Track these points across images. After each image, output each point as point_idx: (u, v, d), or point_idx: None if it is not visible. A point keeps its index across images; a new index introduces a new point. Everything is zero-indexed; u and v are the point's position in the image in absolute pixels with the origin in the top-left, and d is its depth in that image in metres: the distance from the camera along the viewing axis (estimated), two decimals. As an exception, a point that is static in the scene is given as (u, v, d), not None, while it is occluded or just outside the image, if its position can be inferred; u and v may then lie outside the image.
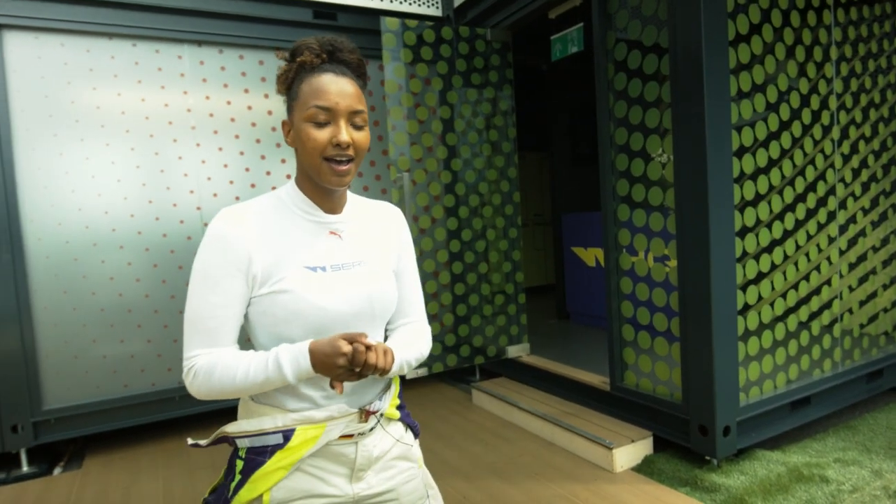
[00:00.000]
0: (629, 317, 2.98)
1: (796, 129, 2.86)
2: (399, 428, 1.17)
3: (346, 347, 0.92)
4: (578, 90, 5.39)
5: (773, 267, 2.79)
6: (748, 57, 2.61)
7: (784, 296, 2.85)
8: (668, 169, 2.68)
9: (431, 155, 3.73)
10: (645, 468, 2.72)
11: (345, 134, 0.98)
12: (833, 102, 3.05)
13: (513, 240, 3.99)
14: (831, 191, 3.06)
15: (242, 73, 3.64)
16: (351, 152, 0.99)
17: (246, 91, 3.65)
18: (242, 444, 1.03)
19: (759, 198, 2.72)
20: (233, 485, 1.01)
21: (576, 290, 5.18)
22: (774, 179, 2.76)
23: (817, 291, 3.02)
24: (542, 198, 5.72)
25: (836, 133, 3.07)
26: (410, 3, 3.93)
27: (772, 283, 2.78)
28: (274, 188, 3.72)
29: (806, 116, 2.91)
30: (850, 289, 3.21)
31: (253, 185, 3.67)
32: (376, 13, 3.80)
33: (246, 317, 1.04)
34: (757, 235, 2.70)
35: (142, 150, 3.38)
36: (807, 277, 2.96)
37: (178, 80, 3.47)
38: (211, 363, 0.97)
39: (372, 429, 1.09)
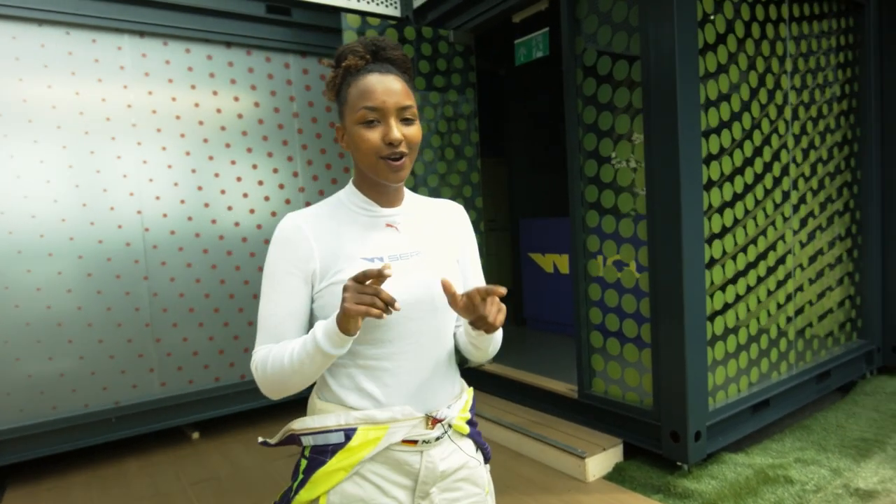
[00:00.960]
0: (597, 323, 2.96)
1: (757, 137, 2.93)
2: (469, 446, 1.12)
3: (351, 281, 0.87)
4: (535, 96, 5.41)
5: (738, 273, 2.84)
6: (715, 66, 2.65)
7: (746, 301, 2.91)
8: (638, 175, 2.67)
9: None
10: (616, 476, 2.69)
11: (396, 131, 0.98)
12: (788, 113, 3.16)
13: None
14: (786, 196, 3.16)
15: (189, 68, 3.40)
16: (404, 148, 0.99)
17: (193, 87, 3.41)
18: (307, 441, 1.03)
19: (724, 205, 2.76)
20: (295, 485, 1.02)
21: (533, 297, 5.17)
22: (738, 187, 2.81)
23: (774, 296, 3.11)
24: (496, 204, 5.68)
25: (790, 142, 3.17)
26: (368, 2, 3.80)
27: (735, 288, 2.83)
28: (223, 192, 3.49)
29: (765, 126, 2.99)
30: (800, 290, 3.33)
31: (200, 188, 3.43)
32: (333, 10, 3.65)
33: (311, 313, 1.05)
34: (723, 241, 2.73)
35: (75, 149, 3.08)
36: (765, 281, 3.04)
37: (117, 73, 3.19)
38: (265, 355, 0.99)
39: (438, 438, 1.04)
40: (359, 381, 1.02)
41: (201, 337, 3.45)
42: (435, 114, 3.73)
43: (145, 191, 3.28)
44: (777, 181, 3.09)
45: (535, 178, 5.60)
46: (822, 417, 3.27)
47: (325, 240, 1.02)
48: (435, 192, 3.73)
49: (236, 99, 3.54)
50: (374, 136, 0.98)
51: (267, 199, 3.65)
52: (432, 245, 1.09)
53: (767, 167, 3.02)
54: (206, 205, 3.45)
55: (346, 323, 0.88)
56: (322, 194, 3.83)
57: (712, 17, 2.63)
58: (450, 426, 1.06)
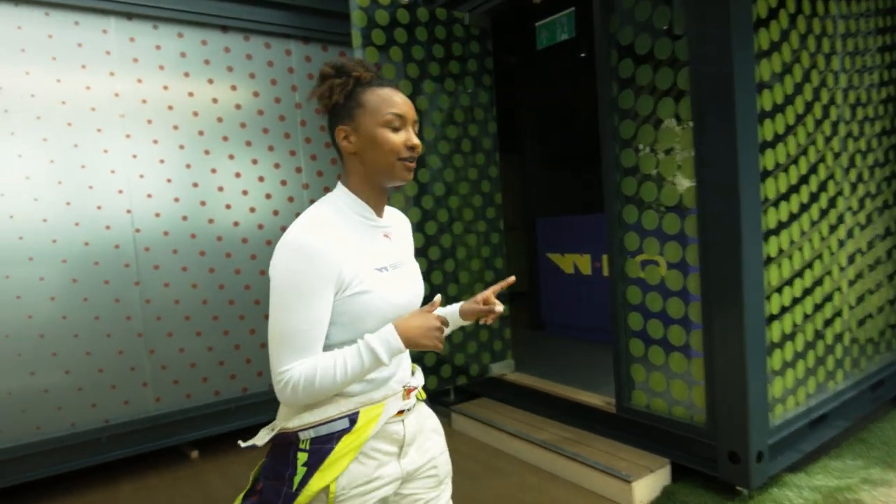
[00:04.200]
0: (637, 330, 2.67)
1: (809, 124, 2.65)
2: (425, 405, 1.29)
3: (437, 321, 1.10)
4: (550, 85, 5.12)
5: (794, 273, 2.56)
6: (768, 44, 2.37)
7: (802, 303, 2.62)
8: (686, 165, 2.39)
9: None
10: (666, 502, 2.41)
11: (416, 138, 1.11)
12: (839, 97, 2.88)
13: (495, 245, 3.63)
14: (840, 191, 2.88)
15: (182, 54, 3.11)
16: (416, 153, 1.12)
17: (186, 75, 3.12)
18: (306, 435, 1.06)
19: (780, 197, 2.48)
20: (296, 479, 1.04)
21: (551, 300, 4.88)
22: (792, 178, 2.53)
23: (829, 297, 2.83)
24: (509, 201, 5.40)
25: (842, 129, 2.89)
26: (376, -16, 3.51)
27: (792, 290, 2.55)
28: (221, 189, 3.20)
29: (817, 112, 2.71)
30: (856, 291, 3.04)
31: (195, 185, 3.14)
32: (339, -10, 3.36)
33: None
34: (779, 238, 2.45)
35: (57, 142, 2.79)
36: (820, 282, 2.76)
37: (103, 58, 2.90)
38: (310, 371, 1.01)
39: (414, 405, 1.21)
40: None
41: (199, 347, 3.15)
42: (450, 102, 3.44)
43: (135, 188, 2.99)
44: (831, 173, 2.81)
45: (551, 174, 5.31)
46: (879, 430, 2.98)
47: (347, 249, 1.06)
48: (451, 188, 3.45)
49: (234, 88, 3.25)
50: (398, 139, 1.09)
51: (269, 196, 3.36)
52: (409, 253, 1.26)
53: (820, 157, 2.74)
54: (203, 203, 3.16)
55: (413, 346, 1.08)
56: (327, 191, 3.53)
57: (768, -13, 2.35)
58: (418, 391, 1.23)
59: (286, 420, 1.08)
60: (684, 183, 2.43)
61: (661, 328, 2.57)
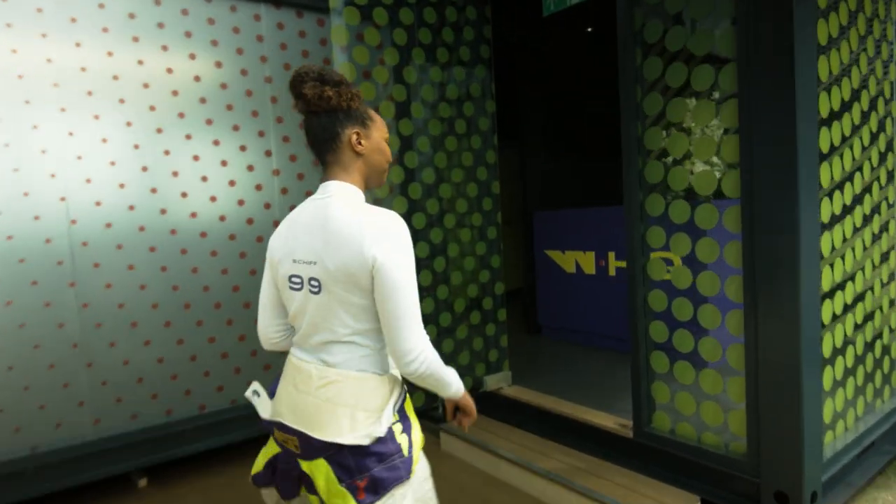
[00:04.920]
0: (661, 342, 2.27)
1: (864, 100, 2.27)
2: None
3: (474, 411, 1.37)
4: (554, 64, 4.71)
5: (848, 275, 2.18)
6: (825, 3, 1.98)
7: (853, 310, 2.25)
8: (727, 145, 1.99)
9: (385, 98, 2.87)
10: (698, 549, 2.02)
11: None
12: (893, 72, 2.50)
13: (492, 241, 3.21)
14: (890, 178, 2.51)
15: (130, 15, 2.65)
16: None
17: (135, 40, 2.66)
18: (393, 418, 1.18)
19: (835, 186, 2.09)
20: (404, 446, 1.17)
21: (550, 300, 4.48)
22: (847, 164, 2.15)
23: (879, 304, 2.45)
24: (505, 193, 4.99)
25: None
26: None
27: (844, 295, 2.17)
28: (176, 174, 2.75)
29: (872, 87, 2.33)
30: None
31: (145, 169, 2.69)
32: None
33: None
34: (832, 233, 2.07)
35: (-29, 114, 2.33)
36: (871, 286, 2.38)
37: (33, 17, 2.44)
38: (436, 361, 1.17)
39: None
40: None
41: (148, 359, 2.71)
42: (443, 76, 3.02)
43: (72, 171, 2.53)
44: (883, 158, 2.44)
45: (551, 162, 4.89)
46: (928, 453, 2.62)
47: None
48: (442, 175, 3.03)
49: (192, 57, 2.80)
50: (390, 152, 1.33)
51: (232, 183, 2.91)
52: None
53: (874, 138, 2.36)
54: (154, 190, 2.71)
55: (461, 402, 1.33)
56: (302, 179, 3.10)
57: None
58: None
59: (381, 421, 1.15)
60: (723, 168, 2.03)
61: (691, 340, 2.17)
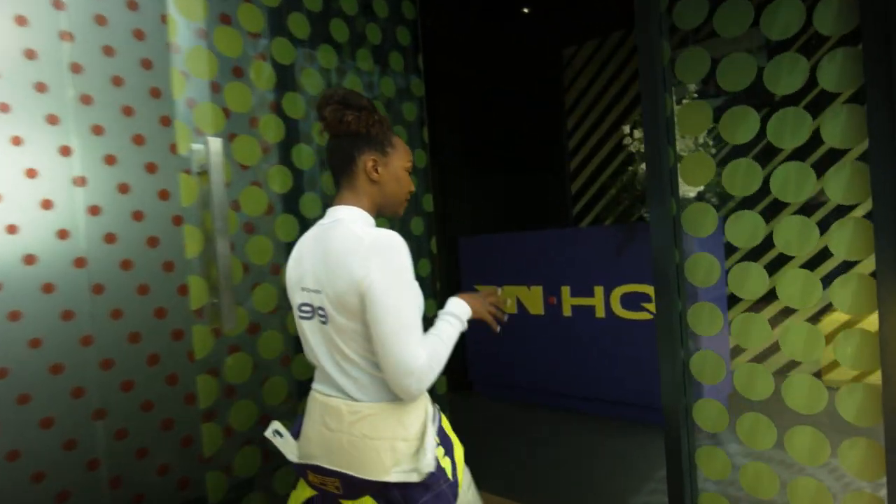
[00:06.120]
0: (718, 431, 1.45)
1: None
2: None
3: (493, 298, 1.33)
4: (475, 64, 3.93)
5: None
6: None
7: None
8: (840, 116, 1.23)
9: (268, 110, 1.86)
10: None
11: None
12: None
13: (424, 280, 2.27)
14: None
15: None
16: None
17: None
18: (434, 440, 1.13)
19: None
20: (448, 469, 1.13)
21: (483, 350, 3.59)
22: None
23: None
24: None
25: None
26: None
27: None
28: None
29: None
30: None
31: None
32: None
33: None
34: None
35: None
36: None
37: None
38: (430, 353, 1.09)
39: None
40: None
41: None
42: (350, 35, 2.07)
43: None
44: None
45: (478, 182, 4.07)
46: None
47: None
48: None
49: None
50: (411, 181, 1.29)
51: (-3, 198, 1.72)
52: None
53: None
54: None
55: (476, 313, 1.27)
56: (127, 191, 1.97)
57: None
58: None
59: (426, 456, 1.09)
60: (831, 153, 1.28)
61: (772, 431, 1.37)
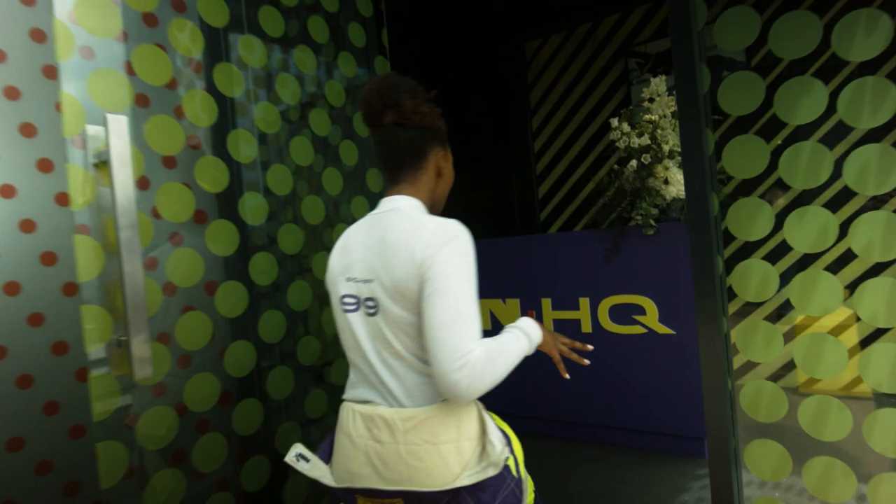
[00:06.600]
0: (770, 479, 1.17)
1: None
2: None
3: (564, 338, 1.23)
4: (432, 60, 3.61)
5: None
6: None
7: None
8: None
9: (195, 83, 1.47)
10: None
11: None
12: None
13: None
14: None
15: None
16: None
17: None
18: (499, 443, 1.05)
19: None
20: (511, 465, 1.05)
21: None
22: None
23: None
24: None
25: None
26: None
27: None
28: None
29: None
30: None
31: None
32: None
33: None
34: None
35: None
36: None
37: None
38: (486, 351, 0.97)
39: None
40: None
41: None
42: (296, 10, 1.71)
43: None
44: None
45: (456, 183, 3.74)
46: None
47: None
48: (305, 178, 1.69)
49: None
50: None
51: None
52: None
53: None
54: None
55: (543, 346, 1.16)
56: (12, 195, 1.51)
57: None
58: None
59: (492, 459, 1.00)
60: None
61: (850, 479, 1.10)
